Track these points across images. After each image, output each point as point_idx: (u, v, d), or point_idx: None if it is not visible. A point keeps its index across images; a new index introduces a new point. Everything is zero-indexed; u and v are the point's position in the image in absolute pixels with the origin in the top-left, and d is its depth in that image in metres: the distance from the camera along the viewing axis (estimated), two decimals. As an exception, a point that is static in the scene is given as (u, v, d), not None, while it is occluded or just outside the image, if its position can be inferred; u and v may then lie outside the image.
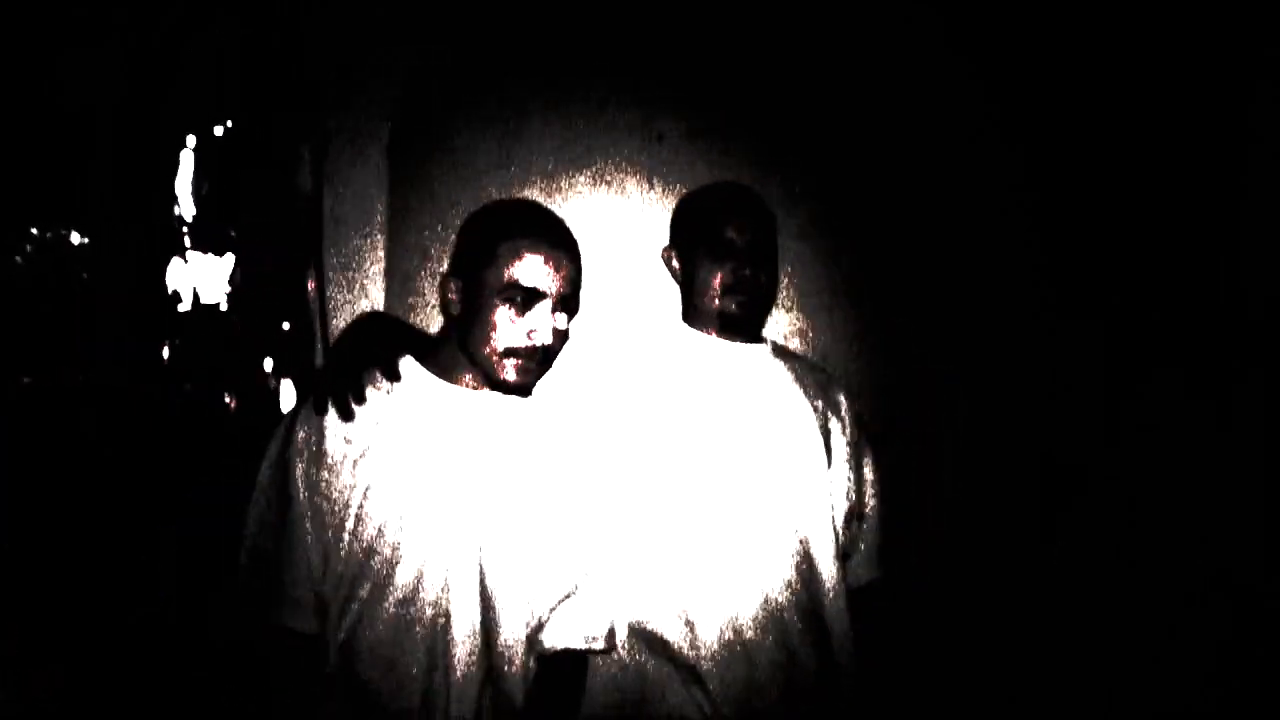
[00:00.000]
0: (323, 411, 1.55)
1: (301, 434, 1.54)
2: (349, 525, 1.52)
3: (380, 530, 1.52)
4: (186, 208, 2.25)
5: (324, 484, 1.52)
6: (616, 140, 2.33)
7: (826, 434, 1.89)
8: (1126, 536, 2.23)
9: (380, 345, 1.67)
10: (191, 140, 2.29)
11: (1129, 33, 2.30)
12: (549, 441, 1.67)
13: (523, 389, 1.62)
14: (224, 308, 2.02)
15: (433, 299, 2.28)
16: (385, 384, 1.61)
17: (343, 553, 1.53)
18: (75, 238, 2.31)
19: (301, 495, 1.52)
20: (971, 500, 2.29)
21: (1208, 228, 2.30)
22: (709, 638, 1.75)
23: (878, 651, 1.88)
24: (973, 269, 2.34)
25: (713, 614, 1.75)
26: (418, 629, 1.51)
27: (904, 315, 2.34)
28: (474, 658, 1.52)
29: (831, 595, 1.82)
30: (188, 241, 2.24)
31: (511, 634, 1.57)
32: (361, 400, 1.57)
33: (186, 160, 2.29)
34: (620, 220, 2.33)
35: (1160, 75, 2.30)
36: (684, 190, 2.17)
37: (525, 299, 1.56)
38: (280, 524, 1.53)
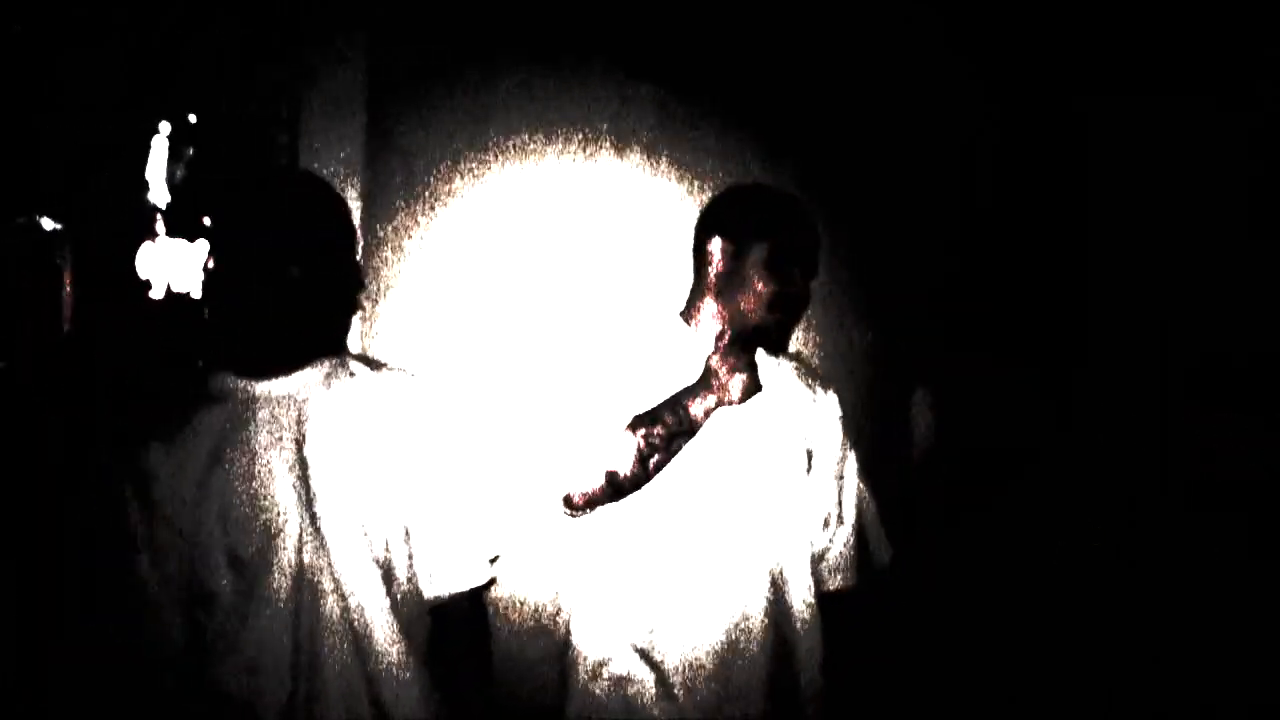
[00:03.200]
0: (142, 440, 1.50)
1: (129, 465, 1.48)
2: (213, 550, 1.45)
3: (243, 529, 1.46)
4: (159, 195, 2.20)
5: (167, 510, 1.46)
6: (590, 111, 2.29)
7: (812, 437, 1.84)
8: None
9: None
10: (165, 126, 2.25)
11: (1130, 31, 2.33)
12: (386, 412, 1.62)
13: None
14: (196, 295, 1.90)
15: (405, 259, 2.23)
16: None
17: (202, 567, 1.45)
18: (47, 223, 2.29)
19: (145, 549, 1.46)
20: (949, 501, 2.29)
21: (1207, 225, 2.31)
22: (679, 650, 1.72)
23: (847, 662, 1.84)
24: (969, 267, 2.34)
25: (684, 626, 1.72)
26: (281, 632, 1.45)
27: (897, 311, 2.34)
28: (346, 650, 1.48)
29: (802, 605, 1.78)
30: (160, 228, 2.20)
31: (377, 607, 1.51)
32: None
33: (159, 147, 2.25)
34: (591, 191, 2.29)
35: (1161, 75, 2.32)
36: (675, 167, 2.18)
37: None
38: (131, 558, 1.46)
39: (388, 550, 1.52)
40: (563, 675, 1.79)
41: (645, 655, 1.72)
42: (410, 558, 1.56)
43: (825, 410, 1.87)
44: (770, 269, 1.76)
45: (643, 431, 1.68)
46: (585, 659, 1.75)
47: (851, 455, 1.90)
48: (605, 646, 1.74)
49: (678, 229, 2.07)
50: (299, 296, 1.48)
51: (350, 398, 1.55)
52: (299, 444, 1.49)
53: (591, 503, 1.71)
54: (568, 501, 1.72)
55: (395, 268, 2.20)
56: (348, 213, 1.58)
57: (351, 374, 1.58)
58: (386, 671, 1.48)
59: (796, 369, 1.89)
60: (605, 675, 1.74)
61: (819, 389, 1.89)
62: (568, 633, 1.80)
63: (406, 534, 1.55)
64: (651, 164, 2.29)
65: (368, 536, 1.50)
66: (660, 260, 2.21)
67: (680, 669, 1.71)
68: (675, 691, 1.71)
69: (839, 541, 1.87)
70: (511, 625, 2.20)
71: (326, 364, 1.56)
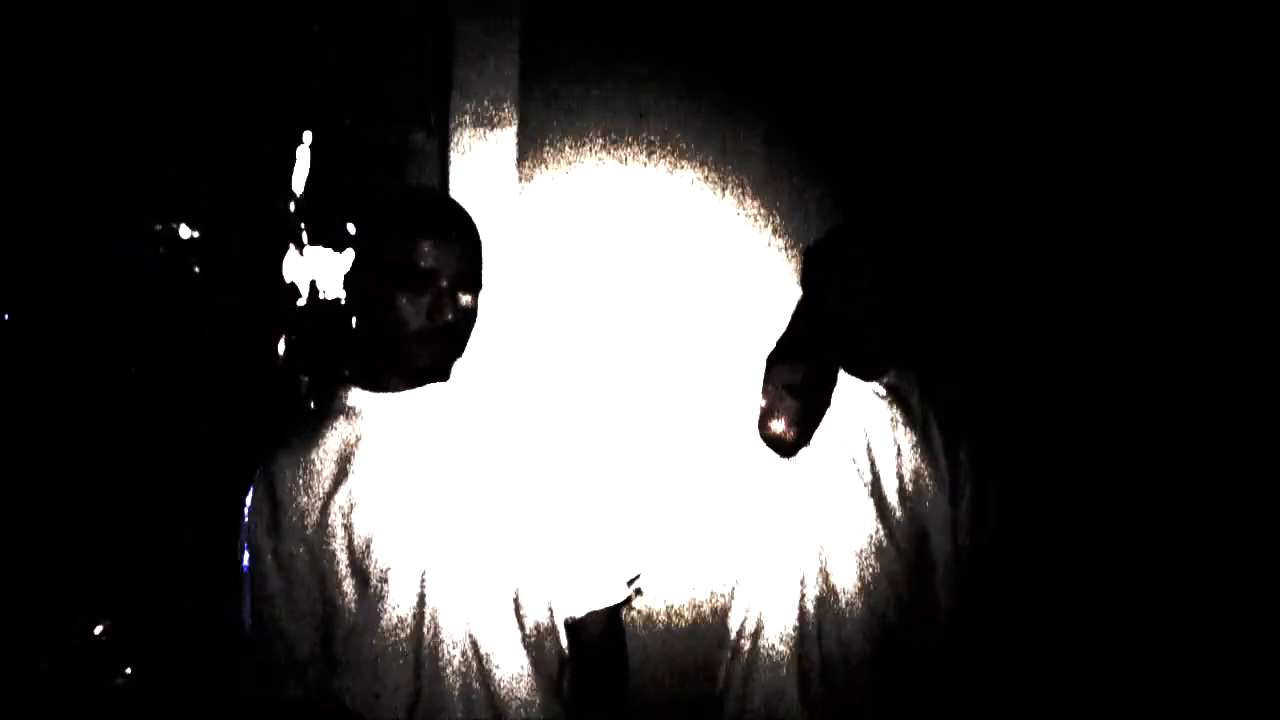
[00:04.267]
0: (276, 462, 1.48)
1: (259, 498, 1.47)
2: (338, 564, 1.44)
3: (370, 552, 1.44)
4: (303, 202, 2.23)
5: (294, 523, 1.44)
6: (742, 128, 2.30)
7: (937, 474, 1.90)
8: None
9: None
10: (308, 136, 2.25)
11: (1132, 30, 2.37)
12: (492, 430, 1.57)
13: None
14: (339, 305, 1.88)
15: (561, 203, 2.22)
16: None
17: (338, 595, 1.44)
18: (185, 231, 2.31)
19: (271, 560, 1.45)
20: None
21: (1205, 223, 2.34)
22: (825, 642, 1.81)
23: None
24: (980, 269, 2.37)
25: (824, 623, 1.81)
26: (404, 650, 1.44)
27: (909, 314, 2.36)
28: (470, 668, 1.46)
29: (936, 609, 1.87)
30: (305, 237, 2.20)
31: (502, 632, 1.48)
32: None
33: (303, 155, 2.27)
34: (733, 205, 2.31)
35: (1164, 74, 2.36)
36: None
37: None
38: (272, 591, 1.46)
39: (517, 569, 1.49)
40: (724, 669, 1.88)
41: (794, 645, 1.81)
42: (542, 576, 1.51)
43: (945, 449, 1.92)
44: (806, 315, 1.89)
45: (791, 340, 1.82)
46: (742, 650, 1.85)
47: (967, 492, 1.93)
48: (755, 633, 1.84)
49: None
50: (431, 317, 1.44)
51: (478, 414, 1.52)
52: (426, 461, 1.47)
53: (803, 425, 1.77)
54: (779, 443, 1.78)
55: (546, 278, 2.19)
56: (479, 241, 1.53)
57: (478, 391, 1.55)
58: (510, 690, 1.45)
59: (914, 407, 1.93)
60: (759, 663, 1.83)
61: (940, 422, 1.93)
62: (726, 624, 1.89)
63: (538, 552, 1.51)
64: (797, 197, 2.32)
65: (496, 556, 1.47)
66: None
67: (824, 659, 1.80)
68: (816, 685, 1.80)
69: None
70: (672, 627, 2.22)
71: (455, 380, 1.53)
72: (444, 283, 1.45)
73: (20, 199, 2.28)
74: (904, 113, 2.32)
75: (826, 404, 1.79)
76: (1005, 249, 2.33)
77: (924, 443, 1.88)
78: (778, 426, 1.75)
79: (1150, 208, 2.37)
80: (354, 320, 1.49)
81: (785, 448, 1.78)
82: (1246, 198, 2.36)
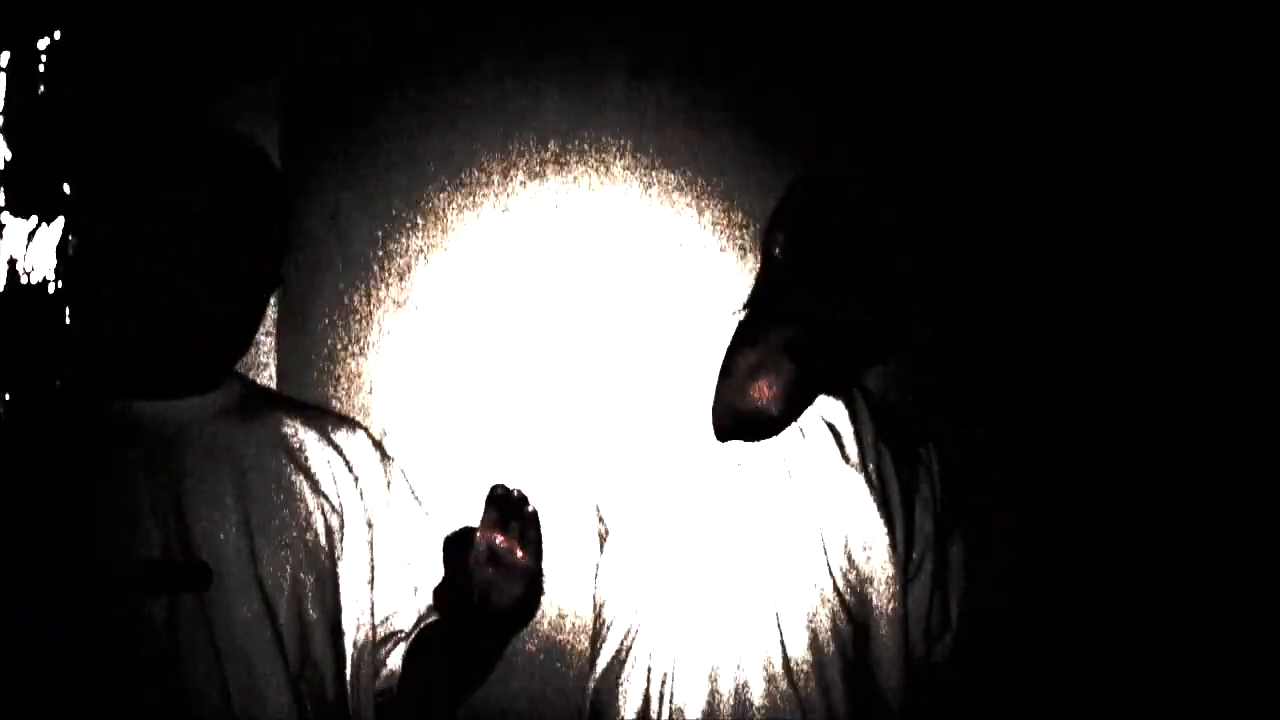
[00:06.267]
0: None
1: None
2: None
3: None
4: None
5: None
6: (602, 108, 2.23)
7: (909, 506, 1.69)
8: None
9: None
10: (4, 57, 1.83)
11: (1132, 30, 2.36)
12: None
13: None
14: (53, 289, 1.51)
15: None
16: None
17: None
18: None
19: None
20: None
21: (1205, 223, 2.35)
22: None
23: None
24: (980, 269, 2.37)
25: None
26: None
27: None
28: None
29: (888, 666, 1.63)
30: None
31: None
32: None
33: None
34: (599, 209, 2.23)
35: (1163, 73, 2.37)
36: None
37: None
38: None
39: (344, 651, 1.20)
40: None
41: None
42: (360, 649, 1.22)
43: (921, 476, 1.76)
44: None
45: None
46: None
47: (956, 549, 1.77)
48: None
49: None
50: (203, 295, 1.09)
51: (269, 436, 1.18)
52: (177, 482, 1.10)
53: (789, 400, 1.46)
54: (757, 419, 1.45)
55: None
56: (276, 186, 1.19)
57: (268, 407, 1.23)
58: None
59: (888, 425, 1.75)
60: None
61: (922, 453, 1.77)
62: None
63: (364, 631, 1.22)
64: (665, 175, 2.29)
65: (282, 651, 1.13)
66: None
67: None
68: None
69: (940, 649, 1.80)
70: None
71: (232, 389, 1.19)
72: (217, 261, 1.09)
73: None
74: (902, 111, 2.32)
75: (815, 381, 1.49)
76: (1005, 249, 2.34)
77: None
78: (760, 395, 1.44)
79: (1150, 207, 2.38)
80: (86, 309, 1.04)
81: (764, 424, 1.46)
82: (1246, 198, 2.37)
